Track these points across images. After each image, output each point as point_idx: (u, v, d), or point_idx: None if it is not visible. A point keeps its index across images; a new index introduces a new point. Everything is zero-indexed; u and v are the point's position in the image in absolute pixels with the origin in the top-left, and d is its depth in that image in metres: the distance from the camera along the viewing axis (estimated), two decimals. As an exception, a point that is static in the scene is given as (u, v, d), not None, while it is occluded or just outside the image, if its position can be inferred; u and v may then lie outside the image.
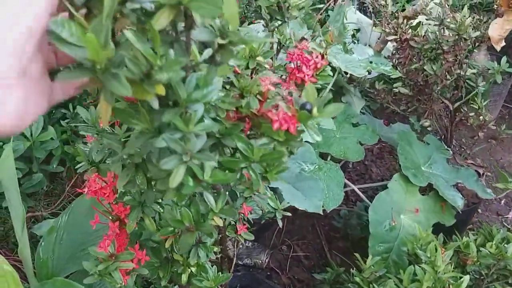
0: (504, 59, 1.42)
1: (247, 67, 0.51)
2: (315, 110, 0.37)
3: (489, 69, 1.45)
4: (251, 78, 0.48)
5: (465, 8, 1.18)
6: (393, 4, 1.41)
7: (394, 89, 1.44)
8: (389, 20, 1.36)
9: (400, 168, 1.30)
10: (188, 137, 0.32)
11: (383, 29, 1.35)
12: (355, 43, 1.65)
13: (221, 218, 0.47)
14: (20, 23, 0.27)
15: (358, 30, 1.84)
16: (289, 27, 0.62)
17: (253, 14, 1.91)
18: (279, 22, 0.64)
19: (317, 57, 0.53)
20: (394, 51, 1.38)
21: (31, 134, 1.40)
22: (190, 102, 0.32)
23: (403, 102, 1.45)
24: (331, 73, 0.57)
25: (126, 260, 0.51)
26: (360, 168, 1.92)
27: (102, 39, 0.27)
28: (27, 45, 0.28)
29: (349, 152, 1.35)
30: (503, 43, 1.34)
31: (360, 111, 1.55)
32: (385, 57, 1.42)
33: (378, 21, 1.46)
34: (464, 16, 1.15)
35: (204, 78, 0.33)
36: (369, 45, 1.71)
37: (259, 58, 0.52)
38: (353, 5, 1.75)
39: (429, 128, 1.49)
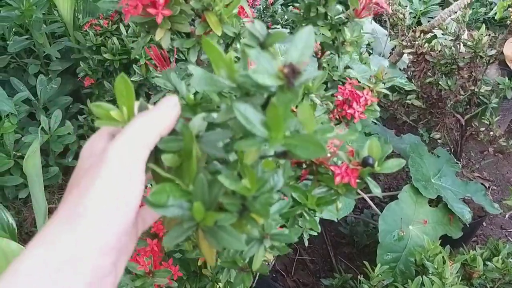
0: (515, 74, 1.45)
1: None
2: (376, 165, 0.38)
3: (499, 84, 1.48)
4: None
5: (483, 26, 1.20)
6: (409, 18, 1.43)
7: (407, 101, 1.46)
8: (406, 33, 1.38)
9: (411, 180, 1.33)
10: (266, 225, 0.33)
11: (399, 41, 1.37)
12: (370, 53, 1.68)
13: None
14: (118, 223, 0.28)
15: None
16: (342, 61, 0.63)
17: (269, 19, 1.94)
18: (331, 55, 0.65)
19: (367, 94, 0.55)
20: (409, 64, 1.40)
21: (49, 128, 1.43)
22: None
23: (415, 114, 1.48)
24: (378, 108, 0.58)
25: (163, 277, 0.53)
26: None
27: (206, 201, 0.29)
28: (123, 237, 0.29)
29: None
30: (517, 62, 1.37)
31: (372, 121, 1.58)
32: (400, 69, 1.45)
33: (394, 33, 1.48)
34: (482, 34, 1.18)
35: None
36: (383, 55, 1.73)
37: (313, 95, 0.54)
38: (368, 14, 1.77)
39: (439, 141, 1.51)
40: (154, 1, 0.43)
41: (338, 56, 0.65)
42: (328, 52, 0.72)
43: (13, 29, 1.56)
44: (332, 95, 0.66)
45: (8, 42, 1.53)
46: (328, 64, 0.70)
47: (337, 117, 0.67)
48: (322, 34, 0.63)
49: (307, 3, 0.62)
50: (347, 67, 0.72)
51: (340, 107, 0.66)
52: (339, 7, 0.62)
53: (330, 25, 0.62)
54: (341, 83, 0.77)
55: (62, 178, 1.56)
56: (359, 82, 0.68)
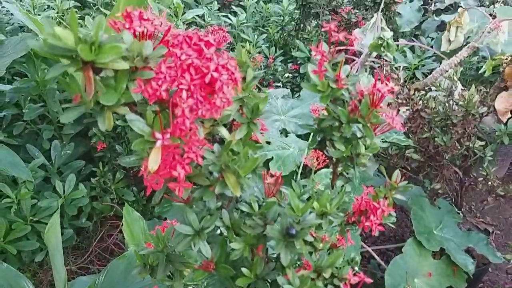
0: (511, 121, 1.51)
1: (319, 227, 0.57)
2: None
3: (496, 131, 1.54)
4: (324, 239, 0.55)
5: (473, 87, 1.27)
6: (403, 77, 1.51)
7: (406, 154, 1.52)
8: (401, 91, 1.46)
9: (414, 233, 1.37)
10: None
11: (395, 99, 1.45)
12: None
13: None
14: None
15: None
16: (357, 172, 0.66)
17: (270, 77, 2.03)
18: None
19: (384, 204, 0.59)
20: (406, 120, 1.47)
21: (64, 192, 1.49)
22: None
23: (415, 166, 1.53)
24: (394, 214, 0.61)
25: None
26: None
27: None
28: None
29: (364, 215, 1.42)
30: (509, 115, 1.43)
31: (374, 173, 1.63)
32: (397, 125, 1.51)
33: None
34: (472, 94, 1.25)
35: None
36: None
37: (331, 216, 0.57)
38: (366, 70, 1.85)
39: (440, 191, 1.56)
40: (175, 176, 0.44)
41: (354, 168, 0.66)
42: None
43: (29, 98, 1.65)
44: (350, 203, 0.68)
45: (24, 110, 1.61)
46: (345, 172, 0.71)
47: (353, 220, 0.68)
48: (338, 149, 0.62)
49: (324, 126, 0.62)
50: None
51: (357, 215, 0.65)
52: (355, 128, 0.61)
53: (345, 139, 0.62)
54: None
55: (76, 239, 1.61)
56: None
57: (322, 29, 0.72)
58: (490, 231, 1.89)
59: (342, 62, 0.57)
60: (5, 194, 1.39)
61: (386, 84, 0.55)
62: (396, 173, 0.67)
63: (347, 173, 0.68)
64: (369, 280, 0.53)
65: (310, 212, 0.54)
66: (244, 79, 0.55)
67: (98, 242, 1.64)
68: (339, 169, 0.67)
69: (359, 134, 0.60)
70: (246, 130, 0.54)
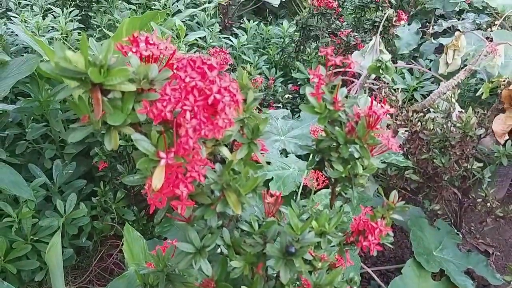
0: (509, 142, 1.53)
1: (318, 247, 0.59)
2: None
3: (495, 152, 1.55)
4: (323, 258, 0.57)
5: (470, 109, 1.29)
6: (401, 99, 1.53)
7: (405, 175, 1.53)
8: (400, 113, 1.48)
9: (413, 253, 1.37)
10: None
11: (393, 121, 1.46)
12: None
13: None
14: None
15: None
16: (356, 192, 0.67)
17: (271, 97, 2.06)
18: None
19: (381, 224, 0.60)
20: (404, 141, 1.49)
21: (65, 211, 1.50)
22: None
23: (414, 187, 1.54)
24: (391, 234, 0.62)
25: None
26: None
27: None
28: None
29: (363, 235, 1.43)
30: (507, 137, 1.45)
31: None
32: (396, 146, 1.53)
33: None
34: (469, 116, 1.27)
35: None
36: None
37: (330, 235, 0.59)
38: (365, 92, 1.88)
39: (439, 212, 1.57)
40: (178, 194, 0.46)
41: (352, 188, 0.67)
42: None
43: (31, 117, 1.67)
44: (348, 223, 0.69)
45: (26, 130, 1.63)
46: (344, 192, 0.73)
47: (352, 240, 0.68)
48: (336, 169, 0.64)
49: (322, 147, 0.64)
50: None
51: (355, 234, 0.66)
52: (352, 149, 0.63)
53: (342, 159, 0.64)
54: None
55: (76, 259, 1.61)
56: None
57: (320, 53, 0.73)
58: (490, 253, 1.89)
59: (339, 85, 0.59)
60: (6, 213, 1.40)
61: (382, 106, 0.57)
62: (394, 194, 0.67)
63: (346, 193, 0.69)
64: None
65: (309, 231, 0.55)
66: (245, 100, 0.57)
67: (98, 261, 1.64)
68: (338, 189, 0.68)
69: (356, 155, 0.62)
70: (247, 150, 0.56)
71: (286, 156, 1.50)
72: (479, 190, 1.48)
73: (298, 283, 0.60)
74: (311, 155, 0.66)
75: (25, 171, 1.59)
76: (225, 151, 0.54)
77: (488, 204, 1.48)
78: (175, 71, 0.47)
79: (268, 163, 1.43)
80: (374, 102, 0.59)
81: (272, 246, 0.54)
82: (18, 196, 1.44)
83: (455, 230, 1.54)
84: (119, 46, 0.46)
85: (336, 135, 0.60)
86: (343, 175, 0.63)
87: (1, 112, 1.61)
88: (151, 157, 0.44)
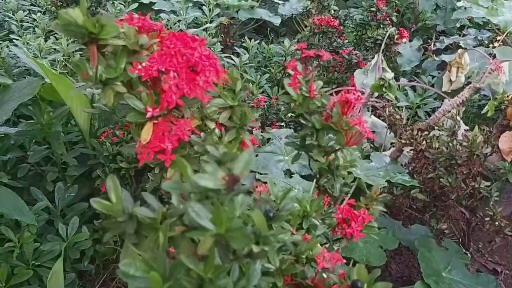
0: (515, 158, 1.51)
1: (300, 227, 0.59)
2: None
3: (501, 169, 1.54)
4: (305, 238, 0.56)
5: (476, 127, 1.28)
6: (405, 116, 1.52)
7: (412, 194, 1.51)
8: (404, 132, 1.46)
9: (421, 274, 1.34)
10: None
11: (398, 140, 1.45)
12: (371, 146, 1.75)
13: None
14: None
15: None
16: (338, 184, 0.70)
17: (274, 116, 2.05)
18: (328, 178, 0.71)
19: (364, 213, 0.62)
20: (410, 160, 1.47)
21: (67, 235, 1.48)
22: None
23: (421, 206, 1.52)
24: (376, 224, 0.64)
25: None
26: (380, 266, 1.95)
27: (164, 274, 0.37)
28: None
29: (371, 256, 1.40)
30: (514, 154, 1.43)
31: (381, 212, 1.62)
32: (402, 165, 1.51)
33: (392, 130, 1.56)
34: (476, 135, 1.25)
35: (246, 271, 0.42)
36: (384, 147, 1.81)
37: (312, 217, 0.60)
38: (368, 110, 1.87)
39: (446, 231, 1.55)
40: (164, 149, 0.53)
41: (334, 180, 0.72)
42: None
43: (33, 140, 1.66)
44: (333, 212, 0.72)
45: (28, 153, 1.62)
46: (329, 187, 0.76)
47: (339, 233, 0.72)
48: (317, 160, 0.70)
49: (302, 134, 0.70)
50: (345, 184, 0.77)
51: (340, 225, 0.71)
52: (331, 135, 0.70)
53: (324, 152, 0.70)
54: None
55: (78, 283, 1.58)
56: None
57: (296, 49, 0.84)
58: (499, 271, 1.86)
59: (313, 75, 0.67)
60: (8, 238, 1.38)
61: (354, 93, 0.65)
62: (376, 187, 0.75)
63: (332, 191, 0.73)
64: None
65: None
66: (234, 91, 0.64)
67: (101, 285, 1.61)
68: (322, 183, 0.73)
69: (337, 147, 0.68)
70: (235, 134, 0.63)
71: (291, 177, 1.48)
72: (486, 208, 1.46)
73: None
74: (295, 152, 0.72)
75: (27, 194, 1.58)
76: (211, 125, 0.61)
77: (497, 223, 1.46)
78: (163, 42, 0.55)
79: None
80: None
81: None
82: (20, 221, 1.42)
83: (463, 250, 1.52)
84: (117, 21, 0.53)
85: (313, 121, 0.66)
86: (325, 166, 0.70)
87: (3, 135, 1.60)
88: (140, 110, 0.52)
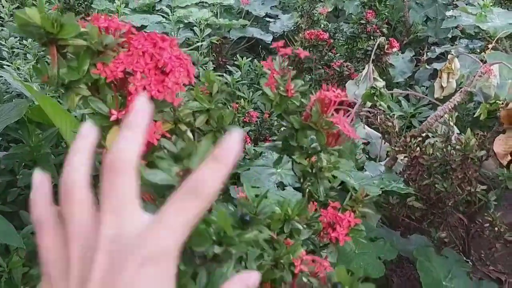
0: (512, 165, 1.48)
1: (281, 231, 0.56)
2: (347, 290, 0.42)
3: (499, 176, 1.51)
4: (287, 243, 0.54)
5: (468, 130, 1.26)
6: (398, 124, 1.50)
7: (408, 203, 1.48)
8: (397, 139, 1.44)
9: (421, 285, 1.30)
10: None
11: (392, 147, 1.43)
12: (366, 157, 1.73)
13: None
14: None
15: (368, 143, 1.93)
16: (322, 185, 0.67)
17: (266, 131, 2.03)
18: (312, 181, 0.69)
19: (350, 216, 0.59)
20: (404, 168, 1.45)
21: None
22: None
23: (418, 215, 1.49)
24: (363, 227, 0.62)
25: None
26: (381, 279, 1.90)
27: None
28: None
29: (369, 268, 1.36)
30: (509, 157, 1.41)
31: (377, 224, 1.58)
32: (396, 173, 1.49)
33: (386, 138, 1.54)
34: (469, 137, 1.23)
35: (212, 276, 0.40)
36: (379, 157, 1.78)
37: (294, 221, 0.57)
38: (361, 120, 1.85)
39: (446, 240, 1.51)
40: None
41: (318, 182, 0.69)
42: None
43: (23, 163, 1.64)
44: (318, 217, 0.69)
45: (18, 176, 1.59)
46: (314, 191, 0.73)
47: (326, 238, 0.69)
48: (300, 163, 0.68)
49: (281, 136, 0.68)
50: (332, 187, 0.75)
51: (325, 230, 0.68)
52: (313, 137, 0.67)
53: (307, 154, 0.68)
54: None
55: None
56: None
57: (272, 45, 0.77)
58: (503, 280, 1.81)
59: (290, 74, 0.66)
60: (-4, 263, 1.35)
61: (333, 91, 0.63)
62: (362, 189, 0.70)
63: (318, 196, 0.70)
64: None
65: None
66: (210, 94, 0.62)
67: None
68: (306, 186, 0.70)
69: (319, 148, 0.66)
70: (212, 138, 0.61)
71: (283, 189, 1.45)
72: (485, 214, 1.43)
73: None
74: (278, 156, 0.71)
75: (17, 220, 1.55)
76: (183, 128, 0.58)
77: (496, 229, 1.42)
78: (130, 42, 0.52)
79: (266, 196, 1.39)
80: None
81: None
82: (9, 245, 1.39)
83: (464, 258, 1.48)
84: (81, 22, 0.52)
85: (291, 121, 0.64)
86: (308, 169, 0.67)
87: (-8, 159, 1.58)
88: (104, 114, 0.50)
